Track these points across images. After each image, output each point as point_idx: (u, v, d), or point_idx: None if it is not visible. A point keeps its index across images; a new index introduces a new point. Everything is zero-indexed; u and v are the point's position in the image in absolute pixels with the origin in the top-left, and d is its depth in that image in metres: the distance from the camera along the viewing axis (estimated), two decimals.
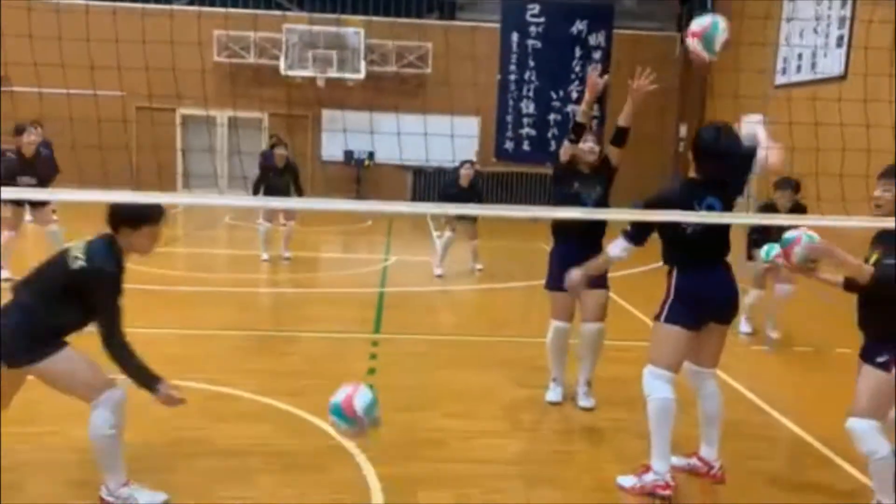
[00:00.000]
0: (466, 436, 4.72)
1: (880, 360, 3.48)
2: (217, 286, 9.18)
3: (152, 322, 6.82)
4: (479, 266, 10.33)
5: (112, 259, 3.50)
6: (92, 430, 3.51)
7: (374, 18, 18.75)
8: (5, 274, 7.81)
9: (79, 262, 3.44)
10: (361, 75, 18.77)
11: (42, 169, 8.83)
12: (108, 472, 3.60)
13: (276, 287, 9.65)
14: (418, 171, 19.35)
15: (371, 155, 19.29)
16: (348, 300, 8.74)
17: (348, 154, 19.58)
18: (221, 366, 5.88)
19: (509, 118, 19.92)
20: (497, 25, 19.43)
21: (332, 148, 19.92)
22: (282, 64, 18.73)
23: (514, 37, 19.51)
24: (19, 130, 8.41)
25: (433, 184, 18.50)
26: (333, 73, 18.69)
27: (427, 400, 5.33)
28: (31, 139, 8.34)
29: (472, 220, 9.85)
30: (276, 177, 10.31)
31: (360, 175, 19.75)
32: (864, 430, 3.47)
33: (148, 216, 3.54)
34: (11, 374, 3.50)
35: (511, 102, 19.82)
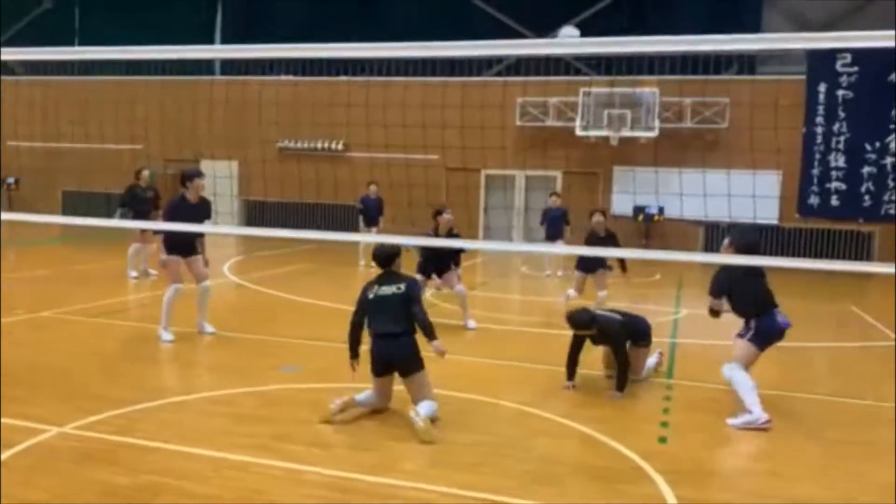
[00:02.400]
0: (746, 472, 4.86)
1: (738, 333, 6.18)
2: (515, 326, 10.06)
3: (464, 352, 7.83)
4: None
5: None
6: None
7: (671, 77, 19.08)
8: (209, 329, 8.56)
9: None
10: (655, 133, 19.08)
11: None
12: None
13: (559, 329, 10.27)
14: (712, 226, 19.00)
15: (661, 209, 19.40)
16: None
17: (637, 209, 19.89)
18: (527, 391, 6.60)
19: (815, 172, 18.77)
20: (801, 77, 18.62)
21: (622, 203, 20.38)
22: (577, 125, 19.74)
23: (822, 87, 18.49)
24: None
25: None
26: (627, 132, 19.25)
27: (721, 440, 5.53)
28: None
29: None
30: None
31: (648, 229, 19.92)
32: (730, 367, 6.08)
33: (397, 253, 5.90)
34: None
35: (818, 156, 18.70)
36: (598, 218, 9.97)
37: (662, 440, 5.46)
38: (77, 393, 6.05)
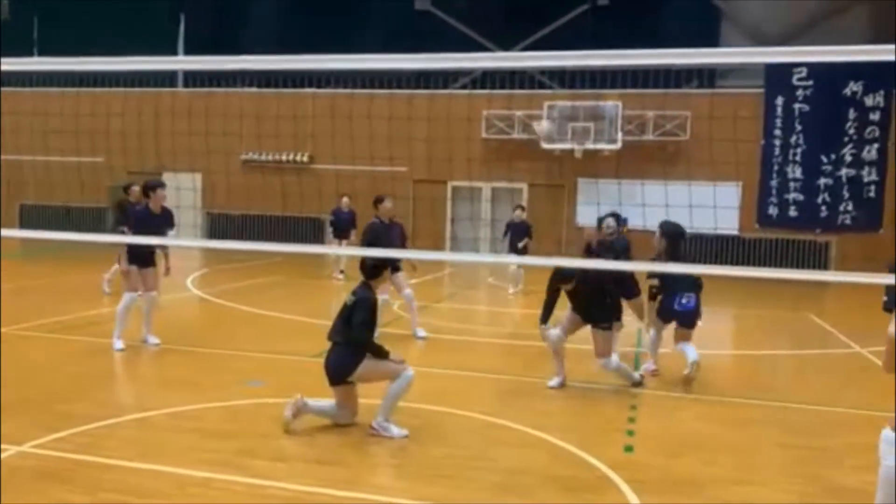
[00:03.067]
0: (712, 480, 4.94)
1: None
2: (481, 336, 10.10)
3: (430, 363, 7.83)
4: None
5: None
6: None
7: (633, 91, 19.38)
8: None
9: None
10: (618, 145, 19.35)
11: None
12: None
13: (525, 340, 10.34)
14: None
15: (624, 220, 19.64)
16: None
17: (601, 220, 20.12)
18: (494, 401, 6.62)
19: (773, 183, 19.19)
20: (759, 91, 19.06)
21: (586, 215, 20.59)
22: (542, 137, 19.94)
23: (780, 101, 18.93)
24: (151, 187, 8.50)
25: (690, 250, 18.28)
26: (591, 145, 19.49)
27: (682, 445, 5.61)
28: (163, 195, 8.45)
29: None
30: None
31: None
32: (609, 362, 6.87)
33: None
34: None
35: (776, 168, 19.12)
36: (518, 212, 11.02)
37: (629, 449, 5.52)
38: (38, 410, 5.91)
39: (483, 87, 21.31)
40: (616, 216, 9.51)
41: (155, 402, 6.29)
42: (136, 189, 12.44)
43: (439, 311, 11.84)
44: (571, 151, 19.83)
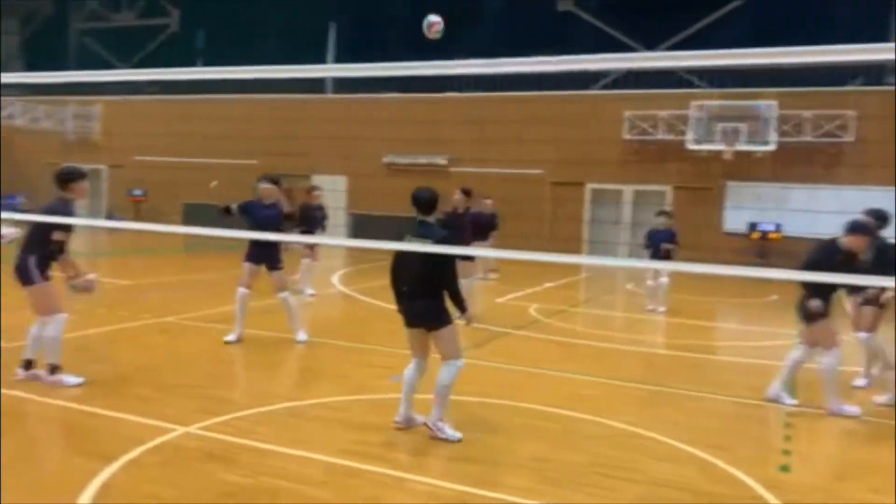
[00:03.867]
0: None
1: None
2: (618, 344, 9.85)
3: (568, 368, 7.72)
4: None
5: None
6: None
7: (789, 90, 18.28)
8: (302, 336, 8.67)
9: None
10: (772, 147, 18.31)
11: None
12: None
13: (674, 350, 9.98)
14: None
15: (778, 227, 18.56)
16: (754, 370, 8.68)
17: (752, 226, 19.12)
18: (638, 412, 6.43)
19: None
20: None
21: (734, 220, 19.62)
22: (688, 138, 19.21)
23: None
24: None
25: None
26: (742, 146, 18.56)
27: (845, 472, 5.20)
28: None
29: None
30: None
31: (763, 247, 19.07)
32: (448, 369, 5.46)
33: None
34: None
35: None
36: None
37: (784, 469, 5.20)
38: (200, 395, 6.36)
39: (625, 87, 20.83)
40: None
41: (305, 393, 6.60)
42: (318, 192, 12.75)
43: (576, 316, 11.66)
44: (720, 153, 18.97)
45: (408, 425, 5.63)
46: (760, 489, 4.77)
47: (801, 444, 5.76)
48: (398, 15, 24.52)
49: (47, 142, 28.13)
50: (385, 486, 4.61)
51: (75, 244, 7.49)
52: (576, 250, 20.76)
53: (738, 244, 19.31)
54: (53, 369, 6.39)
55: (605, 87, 21.97)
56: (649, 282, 12.70)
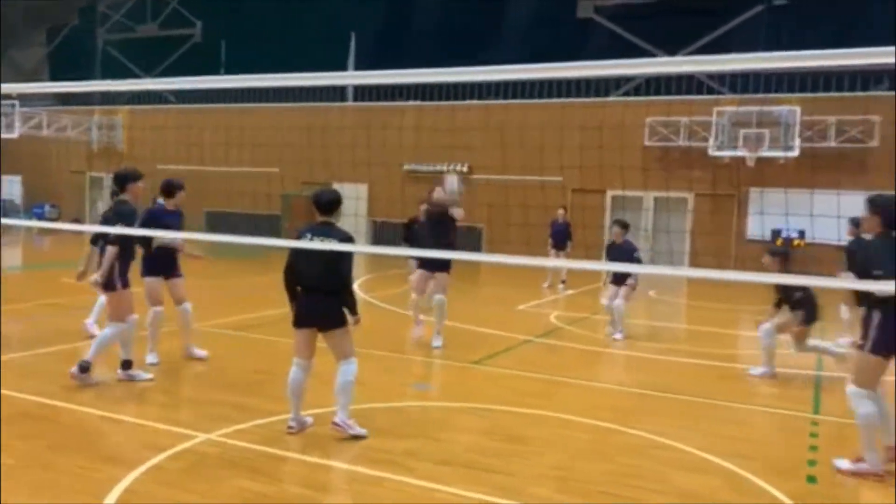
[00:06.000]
0: None
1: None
2: (641, 352, 9.75)
3: (593, 377, 7.65)
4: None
5: None
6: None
7: (812, 95, 18.09)
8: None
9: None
10: (795, 152, 18.12)
11: None
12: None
13: (696, 359, 9.86)
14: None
15: (801, 233, 18.33)
16: (780, 379, 8.55)
17: (775, 233, 18.89)
18: (661, 421, 6.36)
19: None
20: None
21: (757, 227, 19.41)
22: (710, 145, 19.06)
23: None
24: None
25: None
26: (765, 152, 18.39)
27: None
28: None
29: None
30: None
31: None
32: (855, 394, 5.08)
33: None
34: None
35: None
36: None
37: (811, 479, 5.11)
38: (221, 402, 6.37)
39: (647, 93, 20.73)
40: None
41: (326, 400, 6.59)
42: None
43: (597, 324, 11.54)
44: (742, 159, 18.80)
45: (301, 428, 5.62)
46: (789, 501, 4.68)
47: (827, 453, 5.64)
48: (420, 23, 24.65)
49: (74, 151, 28.53)
50: (407, 494, 4.58)
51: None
52: (596, 257, 20.63)
53: (763, 251, 19.11)
54: (125, 364, 6.80)
55: (627, 93, 21.88)
56: (604, 301, 10.79)
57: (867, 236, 5.45)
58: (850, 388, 5.14)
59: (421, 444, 5.51)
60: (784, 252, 7.38)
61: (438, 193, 8.77)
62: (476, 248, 22.40)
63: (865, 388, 5.02)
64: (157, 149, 27.04)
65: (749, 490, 4.90)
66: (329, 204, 5.60)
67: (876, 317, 4.91)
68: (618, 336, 10.00)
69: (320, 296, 5.48)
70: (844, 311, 10.27)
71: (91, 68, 31.43)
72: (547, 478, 5.01)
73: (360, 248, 6.70)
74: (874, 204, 5.09)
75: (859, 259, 6.43)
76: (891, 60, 2.22)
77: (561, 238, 15.63)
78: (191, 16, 30.15)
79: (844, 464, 5.22)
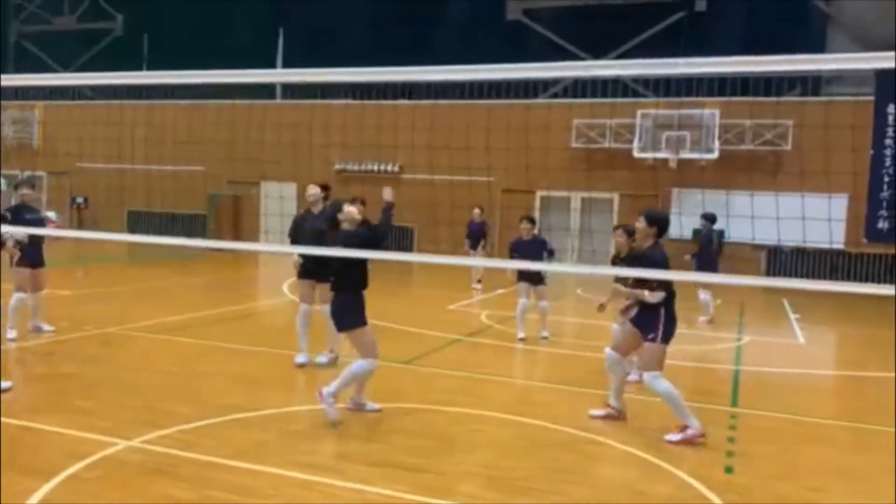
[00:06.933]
0: None
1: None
2: (568, 349, 9.95)
3: (522, 374, 7.76)
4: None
5: None
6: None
7: (732, 99, 18.78)
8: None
9: None
10: (715, 155, 18.78)
11: None
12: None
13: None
14: (774, 251, 18.57)
15: (721, 234, 19.01)
16: (700, 374, 8.86)
17: (696, 232, 19.54)
18: (586, 416, 6.50)
19: (884, 195, 18.17)
20: (869, 98, 18.14)
21: (680, 227, 20.00)
22: (634, 147, 19.57)
23: (891, 109, 17.96)
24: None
25: (790, 263, 17.63)
26: (686, 154, 18.99)
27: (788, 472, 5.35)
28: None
29: None
30: None
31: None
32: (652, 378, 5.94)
33: None
34: None
35: (886, 179, 18.12)
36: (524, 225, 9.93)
37: (729, 470, 5.31)
38: (144, 407, 6.20)
39: (574, 96, 21.12)
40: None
41: (254, 403, 6.49)
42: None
43: (527, 322, 11.70)
44: (665, 161, 19.37)
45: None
46: (704, 490, 4.86)
47: (744, 445, 5.88)
48: (350, 22, 24.46)
49: None
50: (337, 497, 4.56)
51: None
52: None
53: (685, 250, 19.71)
54: None
55: (555, 95, 22.24)
56: (702, 296, 12.40)
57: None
58: (646, 375, 5.95)
59: (352, 446, 5.48)
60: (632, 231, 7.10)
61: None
62: (408, 248, 22.40)
63: (657, 371, 5.90)
64: (75, 146, 26.02)
65: (665, 479, 5.06)
66: None
67: (663, 313, 5.92)
68: (545, 335, 10.10)
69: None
70: (703, 294, 12.27)
71: (3, 62, 29.97)
72: (475, 475, 5.06)
73: (292, 249, 6.58)
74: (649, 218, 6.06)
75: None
76: (891, 64, 2.29)
77: (476, 238, 15.70)
78: (111, 9, 29.11)
79: (674, 436, 5.82)
